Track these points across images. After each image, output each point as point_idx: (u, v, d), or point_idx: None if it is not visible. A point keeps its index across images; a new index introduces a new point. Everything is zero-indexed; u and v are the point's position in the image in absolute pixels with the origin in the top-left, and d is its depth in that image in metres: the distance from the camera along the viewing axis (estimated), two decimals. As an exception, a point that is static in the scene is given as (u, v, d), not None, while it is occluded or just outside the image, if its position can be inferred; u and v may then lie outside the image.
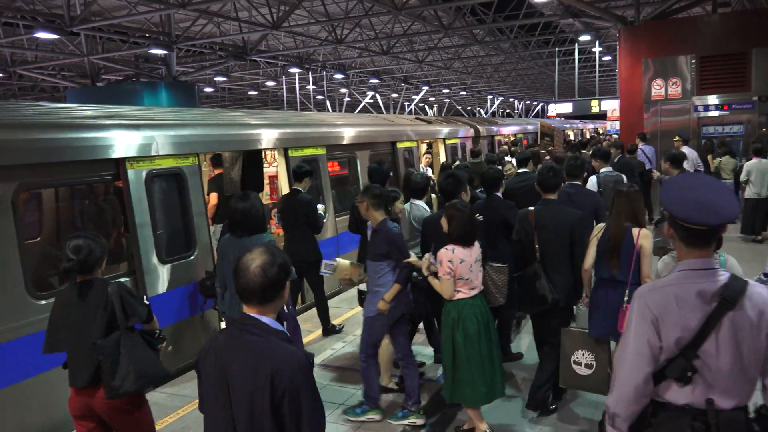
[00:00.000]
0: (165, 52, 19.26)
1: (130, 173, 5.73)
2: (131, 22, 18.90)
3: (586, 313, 4.46)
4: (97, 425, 3.48)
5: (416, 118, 13.90)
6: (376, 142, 10.50)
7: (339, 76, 29.23)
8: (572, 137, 26.11)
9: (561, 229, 4.60)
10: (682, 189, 2.33)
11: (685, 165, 7.91)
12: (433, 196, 7.87)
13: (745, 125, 12.99)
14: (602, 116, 24.42)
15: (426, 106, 50.34)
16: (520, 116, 51.46)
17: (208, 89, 33.27)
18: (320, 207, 6.78)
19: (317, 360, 6.04)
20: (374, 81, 32.56)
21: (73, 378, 3.43)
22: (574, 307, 4.87)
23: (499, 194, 5.78)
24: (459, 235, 4.28)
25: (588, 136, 28.04)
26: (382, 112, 40.46)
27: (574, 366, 4.36)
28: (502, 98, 49.82)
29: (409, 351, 4.84)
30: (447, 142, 13.84)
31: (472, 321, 4.24)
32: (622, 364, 2.33)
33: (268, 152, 9.27)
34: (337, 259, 5.34)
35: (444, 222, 4.37)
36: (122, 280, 5.59)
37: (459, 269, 4.22)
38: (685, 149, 10.51)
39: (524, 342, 6.29)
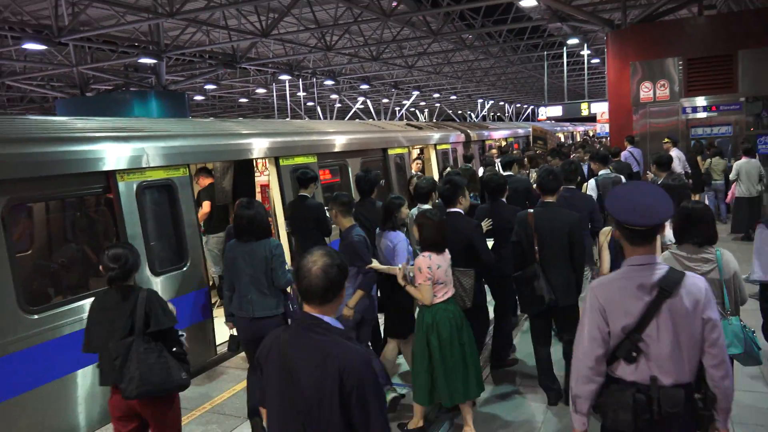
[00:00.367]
0: (154, 61, 19.21)
1: (121, 185, 5.71)
2: (120, 31, 18.85)
3: None
4: (137, 425, 3.68)
5: (407, 124, 13.93)
6: (368, 149, 10.52)
7: (329, 82, 29.24)
8: (562, 139, 26.22)
9: (560, 231, 4.71)
10: (624, 196, 2.68)
11: (676, 167, 7.99)
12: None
13: (733, 126, 13.10)
14: (592, 119, 24.54)
15: (417, 111, 50.44)
16: (510, 119, 51.64)
17: (198, 97, 33.20)
18: None
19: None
20: (365, 87, 32.61)
21: (102, 377, 3.62)
22: None
23: (503, 199, 5.85)
24: (432, 242, 4.44)
25: (578, 139, 28.19)
26: (372, 118, 40.51)
27: None
28: (493, 102, 49.98)
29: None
30: (438, 147, 13.88)
31: (445, 325, 4.39)
32: (577, 348, 2.71)
33: (259, 161, 9.25)
34: None
35: (415, 230, 4.53)
36: (114, 292, 5.57)
37: (437, 274, 4.38)
38: (674, 151, 10.59)
39: (521, 346, 6.31)
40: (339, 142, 9.64)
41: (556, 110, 22.37)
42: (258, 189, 9.22)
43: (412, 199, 6.65)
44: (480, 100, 47.64)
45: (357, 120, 27.63)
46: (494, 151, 15.56)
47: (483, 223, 5.32)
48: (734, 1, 18.72)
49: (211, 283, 7.87)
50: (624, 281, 2.65)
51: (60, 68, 20.76)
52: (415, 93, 38.05)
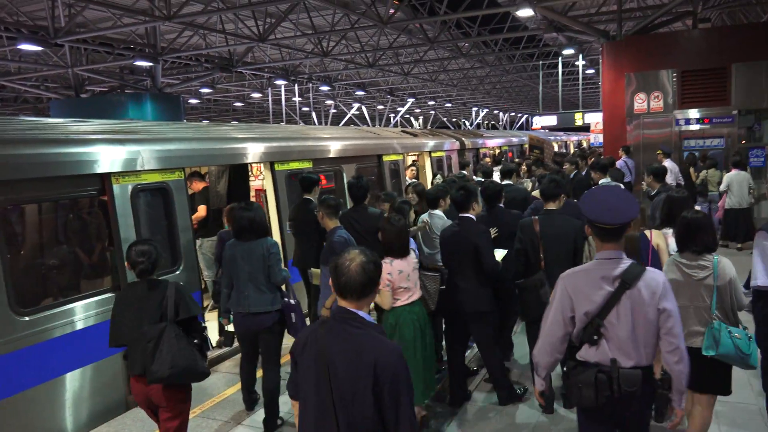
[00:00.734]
0: (150, 63, 19.18)
1: (116, 188, 5.70)
2: (116, 33, 18.82)
3: None
4: (153, 412, 3.92)
5: (402, 131, 13.97)
6: (363, 155, 10.53)
7: (325, 88, 29.29)
8: (556, 149, 26.32)
9: (565, 238, 4.74)
10: (596, 198, 3.07)
11: (667, 178, 8.06)
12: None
13: (726, 139, 13.19)
14: (586, 128, 24.65)
15: (412, 118, 50.54)
16: (504, 128, 51.80)
17: (193, 101, 33.16)
18: None
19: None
20: (360, 93, 32.65)
21: (131, 366, 3.81)
22: None
23: (501, 205, 5.89)
24: (393, 247, 4.57)
25: (572, 149, 28.30)
26: (368, 124, 40.57)
27: None
28: (487, 110, 50.15)
29: None
30: (433, 154, 13.91)
31: (409, 327, 4.52)
32: (543, 325, 3.11)
33: (254, 166, 9.26)
34: (312, 269, 5.88)
35: (380, 235, 4.70)
36: (107, 296, 5.55)
37: (396, 280, 4.50)
38: (667, 163, 10.66)
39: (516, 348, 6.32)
40: (334, 147, 9.66)
41: (551, 119, 22.46)
42: (252, 193, 9.21)
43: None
44: (475, 108, 47.78)
45: (352, 126, 27.67)
46: (488, 159, 15.62)
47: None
48: (728, 15, 18.90)
49: (203, 286, 7.86)
50: (590, 272, 3.01)
51: (55, 69, 20.69)
52: (411, 100, 38.14)
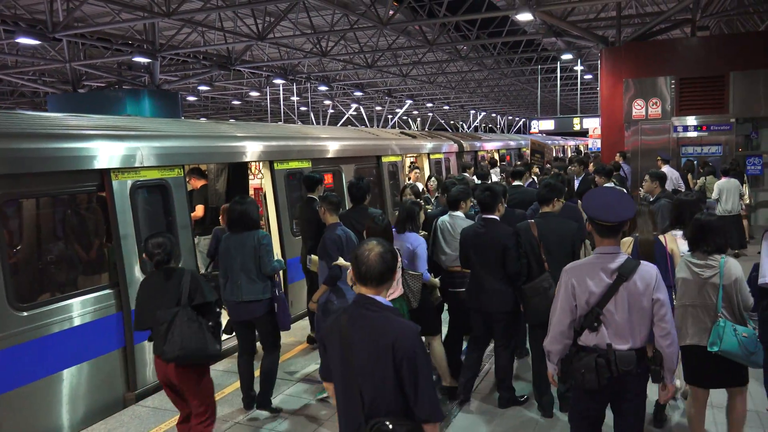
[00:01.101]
0: (148, 60, 19.13)
1: (115, 184, 5.68)
2: (115, 29, 18.76)
3: None
4: (173, 391, 4.14)
5: (401, 133, 13.97)
6: (362, 156, 10.53)
7: (323, 88, 29.27)
8: (553, 153, 26.37)
9: (564, 240, 4.80)
10: (596, 197, 3.40)
11: (667, 185, 8.11)
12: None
13: (723, 146, 13.25)
14: (584, 134, 24.72)
15: (409, 120, 50.56)
16: (502, 131, 51.90)
17: (191, 98, 33.08)
18: None
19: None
20: (358, 94, 32.65)
21: (154, 347, 4.01)
22: None
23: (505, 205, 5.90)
24: None
25: (569, 154, 28.37)
26: (365, 125, 40.57)
27: None
28: (485, 113, 50.23)
29: None
30: (431, 156, 13.92)
31: None
32: (552, 315, 3.40)
33: (252, 164, 9.23)
34: (313, 256, 6.00)
35: (365, 233, 4.86)
36: (105, 292, 5.53)
37: None
38: (666, 169, 10.70)
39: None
40: (333, 148, 9.65)
41: (549, 124, 22.49)
42: (251, 192, 9.19)
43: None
44: (472, 111, 47.86)
45: (351, 127, 27.66)
46: (486, 162, 15.65)
47: None
48: (726, 24, 19.00)
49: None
50: (591, 265, 3.33)
51: (52, 63, 20.60)
52: (409, 102, 38.16)
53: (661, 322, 3.23)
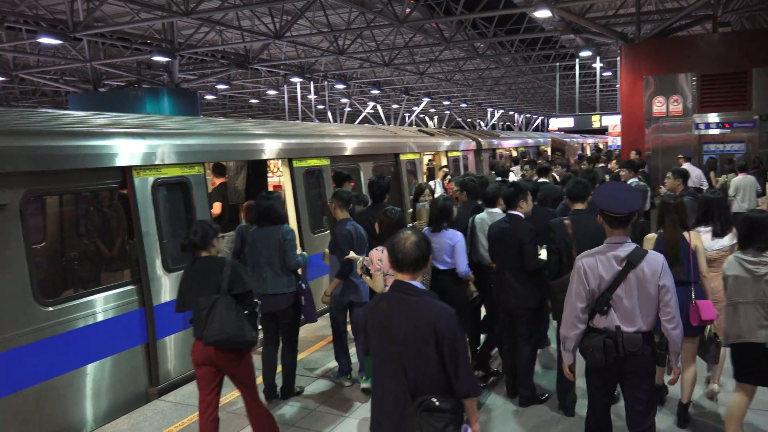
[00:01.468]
0: (167, 59, 19.29)
1: (137, 181, 5.73)
2: (134, 28, 18.94)
3: None
4: (213, 370, 4.28)
5: (419, 131, 13.94)
6: (380, 153, 10.53)
7: (340, 86, 29.30)
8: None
9: (597, 237, 4.73)
10: (607, 191, 3.66)
11: (689, 182, 8.04)
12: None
13: (746, 143, 13.05)
14: (602, 131, 24.51)
15: (426, 118, 50.46)
16: (519, 129, 51.60)
17: (209, 97, 33.31)
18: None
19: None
20: (375, 92, 32.66)
21: (194, 330, 4.21)
22: None
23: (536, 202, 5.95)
24: (387, 238, 4.60)
25: (588, 152, 28.15)
26: (382, 123, 40.56)
27: None
28: (502, 111, 49.98)
29: (344, 331, 5.78)
30: (449, 154, 13.88)
31: None
32: (567, 301, 3.61)
33: (271, 162, 9.28)
34: (326, 250, 6.18)
35: (377, 226, 4.99)
36: (127, 288, 5.58)
37: (386, 267, 4.72)
38: (687, 166, 10.57)
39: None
40: (352, 145, 9.66)
41: (567, 121, 22.33)
42: (270, 189, 9.22)
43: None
44: (490, 109, 47.64)
45: (369, 125, 27.66)
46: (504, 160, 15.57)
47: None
48: (748, 19, 18.72)
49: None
50: (602, 254, 3.54)
51: (73, 63, 20.86)
52: (426, 100, 38.09)
53: (666, 307, 3.45)
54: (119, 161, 5.58)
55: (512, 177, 11.27)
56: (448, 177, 9.35)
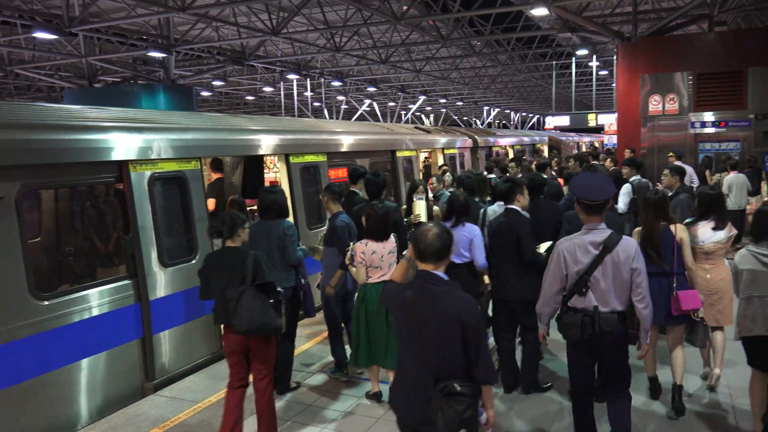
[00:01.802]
0: (163, 55, 19.22)
1: (133, 176, 5.71)
2: (130, 24, 18.86)
3: None
4: (242, 357, 4.51)
5: (415, 128, 13.94)
6: (376, 150, 10.52)
7: (336, 83, 29.27)
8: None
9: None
10: (582, 180, 3.94)
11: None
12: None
13: (741, 142, 13.10)
14: (598, 130, 24.55)
15: (422, 116, 50.43)
16: (516, 128, 51.64)
17: (205, 93, 33.21)
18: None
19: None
20: (372, 89, 32.62)
21: (216, 318, 4.48)
22: None
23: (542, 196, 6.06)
24: (373, 231, 5.05)
25: (584, 150, 28.19)
26: (378, 120, 40.52)
27: None
28: (498, 109, 50.01)
29: (340, 325, 5.89)
30: (446, 151, 13.88)
31: (373, 301, 5.02)
32: (545, 282, 3.95)
33: (268, 158, 9.26)
34: (319, 245, 6.37)
35: (364, 219, 5.14)
36: (123, 283, 5.57)
37: (369, 260, 4.99)
38: (678, 164, 10.61)
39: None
40: (348, 142, 9.65)
41: (563, 120, 22.35)
42: (267, 185, 9.21)
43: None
44: (486, 107, 47.68)
45: (366, 121, 27.64)
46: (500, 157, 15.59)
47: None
48: (743, 19, 18.77)
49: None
50: (579, 239, 3.83)
51: (69, 58, 20.75)
52: (422, 97, 38.08)
53: (638, 288, 3.75)
54: (116, 155, 5.56)
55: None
56: (447, 174, 9.35)
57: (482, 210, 5.95)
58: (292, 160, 8.13)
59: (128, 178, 5.67)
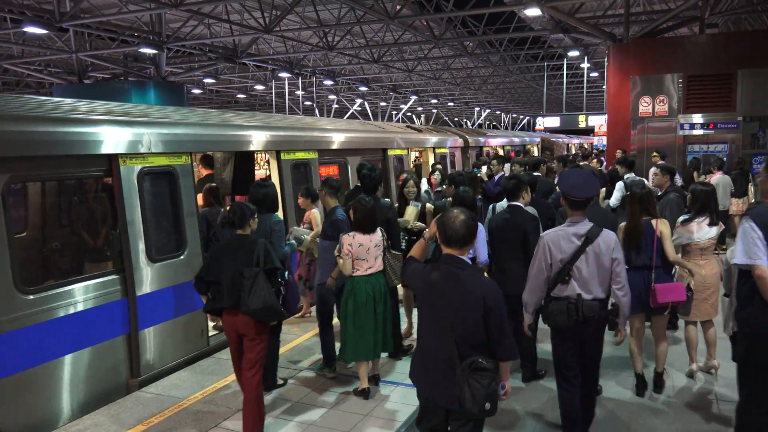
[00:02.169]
0: (155, 51, 19.11)
1: (123, 170, 5.67)
2: (121, 20, 18.75)
3: None
4: (238, 339, 4.65)
5: (407, 127, 13.93)
6: (368, 148, 10.51)
7: (328, 82, 29.22)
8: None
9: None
10: (568, 177, 4.22)
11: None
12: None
13: (730, 144, 13.19)
14: (588, 131, 24.65)
15: (414, 116, 50.44)
16: (506, 129, 51.77)
17: (196, 91, 33.06)
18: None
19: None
20: (363, 89, 32.59)
21: (220, 301, 4.57)
22: None
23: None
24: (360, 224, 5.21)
25: (573, 151, 28.32)
26: (370, 120, 40.48)
27: None
28: (489, 110, 50.11)
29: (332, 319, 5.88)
30: (437, 151, 13.89)
31: (361, 294, 5.18)
32: (530, 271, 4.14)
33: (259, 154, 9.22)
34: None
35: (351, 213, 5.29)
36: (111, 277, 5.52)
37: (355, 251, 5.14)
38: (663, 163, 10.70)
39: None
40: (339, 139, 9.63)
41: (554, 121, 22.43)
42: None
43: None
44: (477, 108, 47.76)
45: (357, 120, 27.61)
46: (485, 157, 15.64)
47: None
48: (734, 22, 18.90)
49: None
50: (563, 231, 4.08)
51: (59, 54, 20.60)
52: (413, 97, 38.09)
53: (617, 277, 4.03)
54: (105, 148, 5.51)
55: (484, 170, 11.39)
56: (437, 173, 9.31)
57: (491, 206, 6.10)
58: (284, 156, 8.11)
59: (117, 172, 5.63)
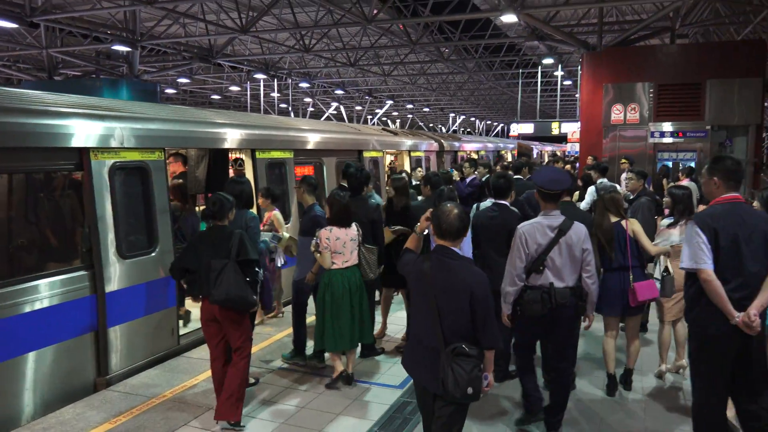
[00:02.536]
0: (128, 49, 18.83)
1: (94, 164, 5.56)
2: (94, 16, 18.45)
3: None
4: (217, 326, 4.74)
5: (383, 129, 13.95)
6: (343, 149, 10.49)
7: (304, 84, 29.12)
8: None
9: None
10: (545, 174, 4.45)
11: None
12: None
13: (698, 153, 13.46)
14: (561, 139, 24.96)
15: (389, 121, 50.54)
16: (480, 135, 52.19)
17: (170, 90, 32.68)
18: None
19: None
20: (339, 92, 32.56)
21: (199, 289, 4.71)
22: None
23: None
24: (336, 218, 5.36)
25: (546, 158, 28.65)
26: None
27: None
28: (464, 117, 50.45)
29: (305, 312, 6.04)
30: (412, 154, 13.92)
31: (338, 286, 5.32)
32: (509, 261, 4.34)
33: (232, 156, 9.13)
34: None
35: (327, 208, 5.42)
36: (78, 273, 5.41)
37: (333, 245, 5.28)
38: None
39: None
40: (315, 139, 9.59)
41: (528, 127, 22.67)
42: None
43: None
44: (452, 114, 48.05)
45: (333, 121, 27.55)
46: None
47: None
48: (702, 35, 19.35)
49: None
50: (538, 223, 4.31)
51: (28, 50, 20.18)
52: (389, 102, 38.17)
53: (587, 266, 4.29)
54: (76, 142, 5.40)
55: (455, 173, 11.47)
56: (419, 170, 9.39)
57: (474, 205, 6.21)
58: (258, 155, 8.05)
59: (88, 166, 5.52)
